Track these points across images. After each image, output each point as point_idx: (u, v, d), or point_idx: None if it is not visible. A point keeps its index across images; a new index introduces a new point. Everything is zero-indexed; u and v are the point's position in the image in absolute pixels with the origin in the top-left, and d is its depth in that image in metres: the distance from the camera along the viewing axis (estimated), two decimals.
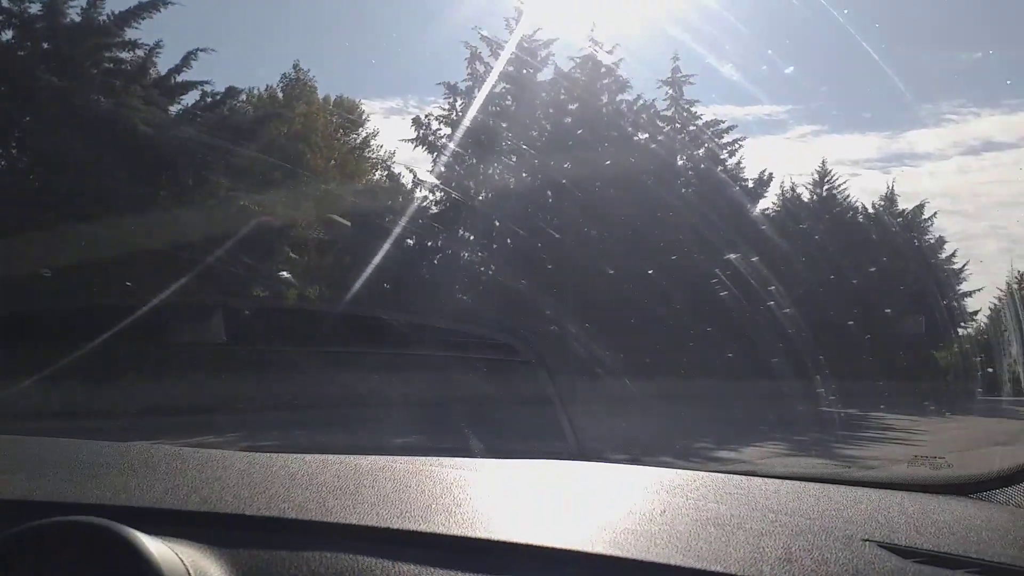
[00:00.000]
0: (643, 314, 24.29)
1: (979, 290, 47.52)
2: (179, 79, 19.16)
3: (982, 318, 51.85)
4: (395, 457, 2.07)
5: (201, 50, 19.06)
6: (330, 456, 1.93)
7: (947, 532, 1.40)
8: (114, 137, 15.61)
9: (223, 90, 19.44)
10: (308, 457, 1.82)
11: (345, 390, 16.38)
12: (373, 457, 2.02)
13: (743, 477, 1.89)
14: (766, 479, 1.88)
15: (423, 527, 1.26)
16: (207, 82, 19.25)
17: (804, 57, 66.26)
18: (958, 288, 45.88)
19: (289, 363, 16.26)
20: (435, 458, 2.06)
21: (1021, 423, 21.08)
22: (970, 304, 46.68)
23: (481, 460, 2.13)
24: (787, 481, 1.85)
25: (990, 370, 39.59)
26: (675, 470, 2.01)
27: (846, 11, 60.06)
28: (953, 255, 45.53)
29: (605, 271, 23.33)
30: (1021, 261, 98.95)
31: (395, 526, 1.26)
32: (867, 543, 1.27)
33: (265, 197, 17.99)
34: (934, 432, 17.41)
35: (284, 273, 17.04)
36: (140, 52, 18.61)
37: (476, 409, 16.07)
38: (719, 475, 1.91)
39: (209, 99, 19.15)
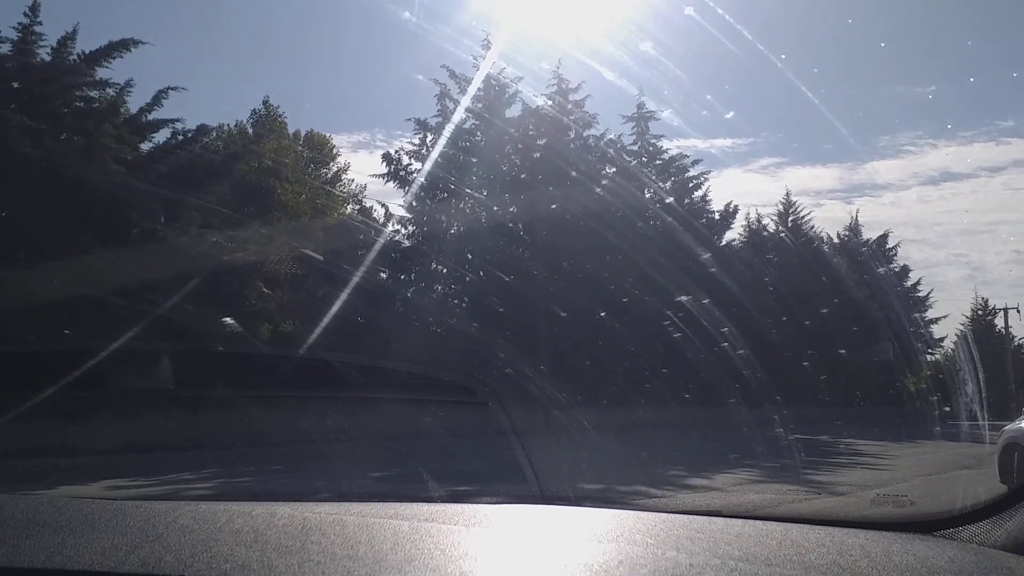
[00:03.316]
0: (615, 347, 24.51)
1: (944, 317, 48.25)
2: (150, 117, 19.21)
3: (948, 344, 52.66)
4: (348, 506, 2.04)
5: (172, 88, 19.19)
6: (279, 507, 1.87)
7: None
8: (86, 176, 15.64)
9: (194, 128, 19.55)
10: (256, 509, 1.76)
11: (309, 431, 16.46)
12: (325, 507, 2.00)
13: (704, 519, 1.85)
14: (728, 520, 1.86)
15: None
16: (178, 120, 19.35)
17: (765, 92, 67.53)
18: (924, 315, 46.49)
19: (257, 404, 16.28)
20: (391, 505, 2.03)
21: (986, 447, 21.38)
22: (936, 331, 47.24)
23: (441, 506, 2.07)
24: (749, 522, 1.83)
25: (962, 396, 40.30)
26: (636, 512, 1.98)
27: (803, 48, 61.59)
28: (918, 283, 46.26)
29: (576, 303, 23.51)
30: (983, 288, 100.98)
31: None
32: None
33: (237, 233, 18.05)
34: (903, 457, 17.62)
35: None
36: (111, 91, 18.70)
37: (439, 451, 16.18)
38: (680, 517, 1.88)
39: (180, 137, 19.22)
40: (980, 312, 57.28)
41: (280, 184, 31.06)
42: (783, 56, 60.31)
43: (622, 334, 24.38)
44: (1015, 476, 9.22)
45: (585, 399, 22.17)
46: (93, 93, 18.50)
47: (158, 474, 12.32)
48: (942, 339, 48.65)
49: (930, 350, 48.62)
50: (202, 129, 19.51)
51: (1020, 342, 59.20)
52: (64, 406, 13.75)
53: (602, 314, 24.70)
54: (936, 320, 46.92)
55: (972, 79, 70.08)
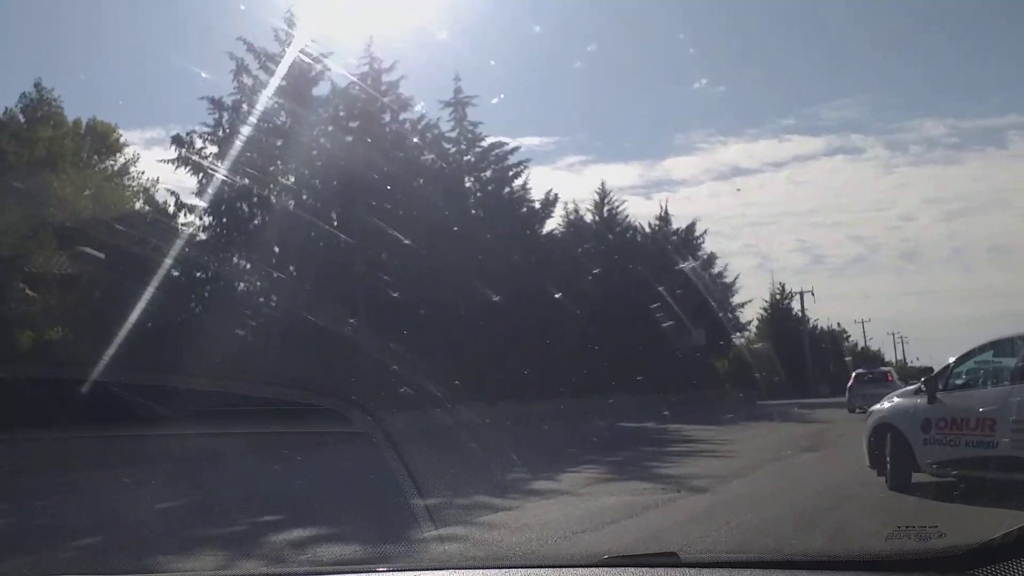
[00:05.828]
0: (436, 337, 23.03)
1: (749, 302, 50.60)
2: None
3: (753, 328, 55.31)
4: None
5: None
6: None
7: None
8: None
9: None
10: None
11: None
12: None
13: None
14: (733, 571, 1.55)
15: None
16: None
17: (569, 91, 68.97)
18: (731, 300, 48.30)
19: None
20: None
21: (809, 426, 21.75)
22: (742, 315, 49.25)
23: None
24: (769, 572, 1.53)
25: (775, 378, 42.44)
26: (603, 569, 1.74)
27: (595, 48, 63.64)
28: (724, 270, 47.96)
29: (395, 295, 21.98)
30: (778, 274, 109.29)
31: None
32: None
33: None
34: (738, 442, 17.36)
35: None
36: None
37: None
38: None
39: None
40: (779, 296, 60.54)
41: (56, 176, 27.52)
42: (586, 54, 61.69)
43: (443, 324, 23.07)
44: (888, 460, 8.52)
45: (410, 393, 20.31)
46: None
47: None
48: (748, 323, 50.88)
49: (738, 333, 50.68)
50: None
51: (814, 323, 63.12)
52: None
53: (421, 308, 23.36)
54: (742, 305, 48.87)
55: (756, 79, 74.95)
